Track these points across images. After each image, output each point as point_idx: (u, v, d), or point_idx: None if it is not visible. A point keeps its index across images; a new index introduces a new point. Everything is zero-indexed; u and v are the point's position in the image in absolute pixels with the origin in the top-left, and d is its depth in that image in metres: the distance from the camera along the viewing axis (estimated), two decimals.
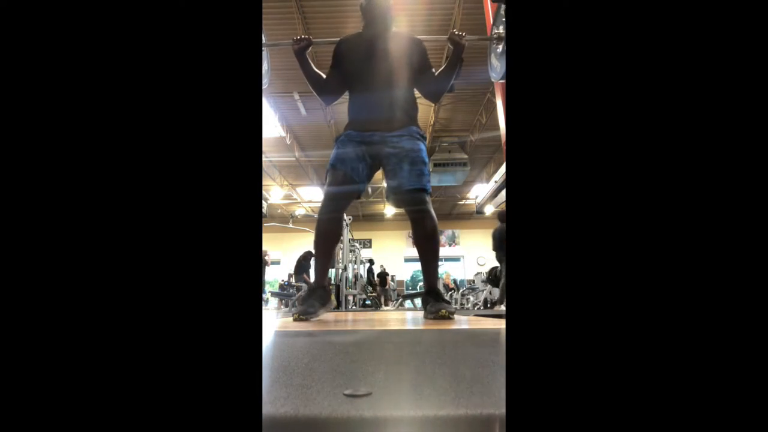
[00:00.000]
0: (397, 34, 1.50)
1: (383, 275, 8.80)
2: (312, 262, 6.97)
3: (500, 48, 1.64)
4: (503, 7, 1.61)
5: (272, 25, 4.31)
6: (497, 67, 1.69)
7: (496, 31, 1.68)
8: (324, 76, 1.51)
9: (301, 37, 1.51)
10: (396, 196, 1.37)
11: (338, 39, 1.56)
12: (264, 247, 6.36)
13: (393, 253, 11.51)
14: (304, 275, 6.48)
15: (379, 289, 8.25)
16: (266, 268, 6.67)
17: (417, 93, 1.52)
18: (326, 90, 1.53)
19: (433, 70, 1.49)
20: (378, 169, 1.47)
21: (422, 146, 1.42)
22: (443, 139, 6.94)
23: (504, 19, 1.59)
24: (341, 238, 1.56)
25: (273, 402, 0.31)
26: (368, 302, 6.80)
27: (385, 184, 1.49)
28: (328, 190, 1.37)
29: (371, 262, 8.70)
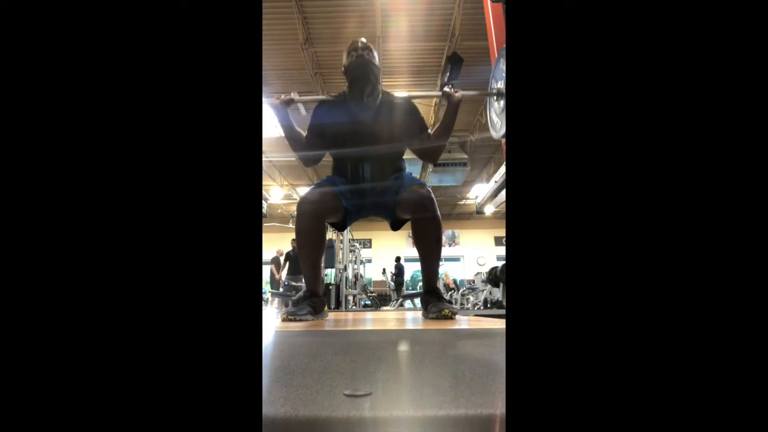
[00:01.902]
0: (386, 99, 1.38)
1: (401, 267, 8.74)
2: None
3: (500, 104, 1.52)
4: (502, 60, 1.50)
5: (272, 25, 4.31)
6: (498, 124, 1.61)
7: (495, 86, 1.57)
8: (303, 134, 1.41)
9: (282, 95, 1.39)
10: (397, 200, 1.32)
11: (318, 100, 1.44)
12: (264, 247, 6.34)
13: (393, 253, 11.51)
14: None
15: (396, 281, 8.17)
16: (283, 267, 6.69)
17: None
18: (306, 152, 1.41)
19: (429, 130, 1.40)
20: (367, 213, 1.42)
21: (411, 172, 1.41)
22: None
23: (504, 74, 1.48)
24: (326, 239, 1.42)
25: (273, 402, 0.32)
26: (368, 302, 6.81)
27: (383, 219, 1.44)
28: (306, 193, 1.33)
29: (398, 259, 8.68)
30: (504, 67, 1.51)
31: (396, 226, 1.46)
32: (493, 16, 2.70)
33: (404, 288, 8.67)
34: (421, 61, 4.98)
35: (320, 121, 1.39)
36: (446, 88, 1.38)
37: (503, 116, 1.52)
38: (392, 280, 8.41)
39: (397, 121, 1.36)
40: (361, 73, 1.30)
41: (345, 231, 5.42)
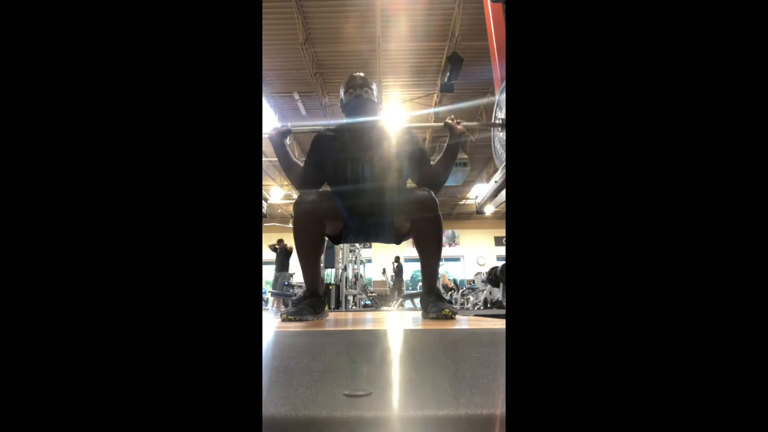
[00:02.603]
0: (384, 131, 1.34)
1: (401, 269, 8.66)
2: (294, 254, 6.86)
3: (504, 134, 1.49)
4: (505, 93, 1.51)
5: (272, 25, 4.31)
6: (501, 154, 1.58)
7: (500, 116, 1.54)
8: (300, 164, 1.38)
9: (279, 125, 1.37)
10: (399, 199, 1.30)
11: (316, 130, 1.42)
12: (264, 247, 6.34)
13: (393, 253, 11.50)
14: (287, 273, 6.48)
15: (395, 281, 8.07)
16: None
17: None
18: (302, 183, 1.39)
19: (431, 163, 1.37)
20: (365, 238, 1.39)
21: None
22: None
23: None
24: (324, 238, 1.40)
25: (273, 402, 0.31)
26: (368, 302, 6.80)
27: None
28: (305, 192, 1.31)
29: (397, 259, 8.64)
30: (505, 13, 1.51)
31: (398, 240, 1.44)
32: (493, 16, 2.70)
33: (404, 287, 8.62)
34: (421, 61, 4.98)
35: (318, 156, 1.37)
36: (448, 120, 1.35)
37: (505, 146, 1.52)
38: (391, 280, 8.35)
39: (397, 156, 1.33)
40: (359, 111, 1.29)
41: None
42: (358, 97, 1.29)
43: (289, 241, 6.57)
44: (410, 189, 1.30)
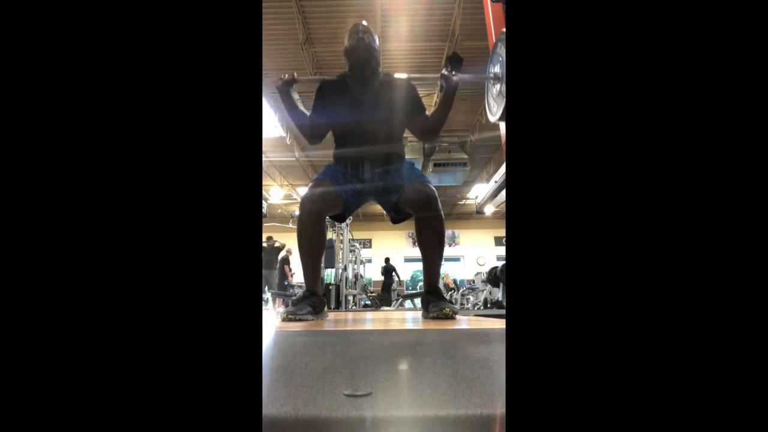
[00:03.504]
0: (385, 79, 1.42)
1: (389, 270, 8.42)
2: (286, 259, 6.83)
3: (497, 88, 1.55)
4: (500, 44, 1.52)
5: (272, 25, 4.31)
6: (494, 107, 1.62)
7: (492, 70, 1.59)
8: (307, 114, 1.45)
9: (285, 75, 1.43)
10: (400, 197, 1.32)
11: (321, 79, 1.49)
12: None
13: (393, 253, 11.50)
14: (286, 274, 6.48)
15: (383, 284, 7.79)
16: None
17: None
18: (309, 131, 1.46)
19: (426, 112, 1.43)
20: (366, 200, 1.44)
21: (414, 164, 1.42)
22: (443, 139, 6.94)
23: (501, 58, 1.50)
24: (326, 239, 1.46)
25: (273, 402, 0.31)
26: (368, 302, 6.80)
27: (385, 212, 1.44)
28: (308, 192, 1.34)
29: (387, 260, 8.47)
30: (501, 52, 1.52)
31: (396, 220, 1.46)
32: (493, 16, 2.70)
33: (393, 290, 8.44)
34: (421, 61, 4.98)
35: (322, 102, 1.43)
36: (444, 71, 1.41)
37: (500, 100, 1.55)
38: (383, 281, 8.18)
39: (396, 101, 1.39)
40: (362, 56, 1.33)
41: (345, 231, 5.42)
42: (361, 41, 1.34)
43: (281, 239, 6.60)
44: (413, 186, 1.30)
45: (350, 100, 1.39)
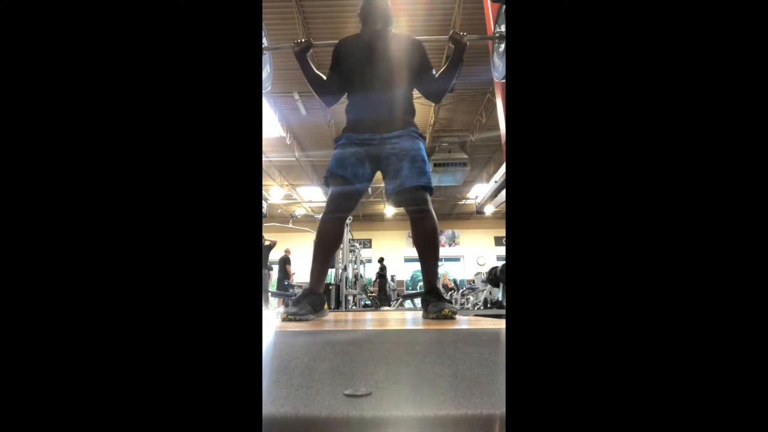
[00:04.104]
0: (396, 35, 1.49)
1: (383, 274, 8.45)
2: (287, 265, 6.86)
3: (503, 47, 1.63)
4: (503, 6, 1.60)
5: (272, 25, 4.31)
6: (499, 66, 1.68)
7: (498, 30, 1.67)
8: (324, 77, 1.51)
9: (301, 40, 1.50)
10: (397, 195, 1.35)
11: (337, 41, 1.55)
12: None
13: (393, 253, 11.50)
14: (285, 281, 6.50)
15: (378, 292, 7.71)
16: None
17: (416, 93, 1.52)
18: (326, 91, 1.52)
19: (434, 71, 1.49)
20: (377, 170, 1.47)
21: (421, 145, 1.43)
22: (443, 139, 6.93)
23: (505, 19, 1.59)
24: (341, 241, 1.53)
25: (273, 402, 0.31)
26: (368, 302, 6.80)
27: (384, 185, 1.48)
28: (331, 192, 1.38)
29: (381, 260, 8.42)
30: (505, 13, 1.58)
31: (395, 204, 1.49)
32: (493, 15, 2.70)
33: (393, 290, 8.36)
34: (428, 36, 4.97)
35: (338, 57, 1.50)
36: (453, 33, 1.47)
37: (503, 59, 1.60)
38: (375, 284, 8.06)
39: (406, 57, 1.45)
40: (375, 11, 1.41)
41: (345, 231, 5.42)
42: None
43: (281, 240, 6.59)
44: (407, 188, 1.31)
45: (364, 54, 1.44)
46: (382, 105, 1.41)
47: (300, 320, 1.21)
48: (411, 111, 1.48)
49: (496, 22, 1.71)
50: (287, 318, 1.21)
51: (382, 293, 7.24)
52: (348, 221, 5.42)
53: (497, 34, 1.66)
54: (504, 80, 1.76)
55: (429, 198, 1.35)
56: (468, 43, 1.45)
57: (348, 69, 1.48)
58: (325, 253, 1.38)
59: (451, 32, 1.46)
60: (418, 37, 1.52)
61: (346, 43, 1.53)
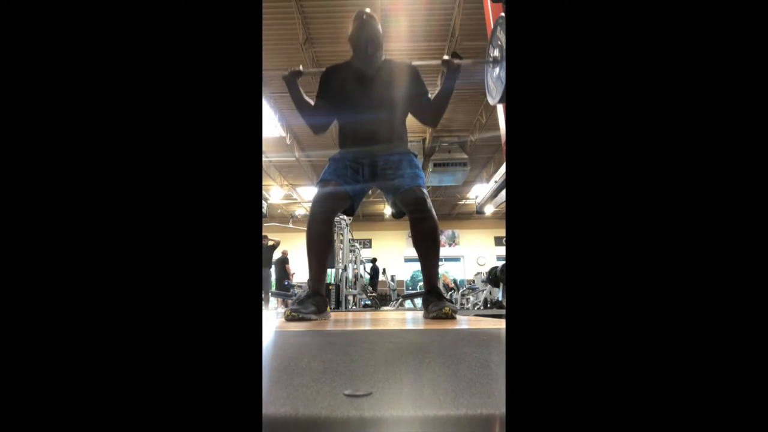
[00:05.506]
0: (389, 62, 1.45)
1: (375, 270, 8.23)
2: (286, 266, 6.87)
3: (497, 71, 1.59)
4: (499, 28, 1.56)
5: (272, 25, 4.31)
6: (494, 90, 1.65)
7: (492, 54, 1.64)
8: (312, 103, 1.47)
9: (292, 69, 1.46)
10: (397, 197, 1.36)
11: (325, 68, 1.51)
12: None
13: (393, 253, 11.50)
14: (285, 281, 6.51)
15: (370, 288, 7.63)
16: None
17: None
18: (313, 119, 1.48)
19: (429, 94, 1.46)
20: (371, 186, 1.45)
21: (414, 158, 1.43)
22: (443, 139, 6.93)
23: (500, 42, 1.53)
24: (334, 240, 1.52)
25: (273, 402, 0.31)
26: (368, 302, 6.80)
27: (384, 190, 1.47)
28: (318, 193, 1.36)
29: (374, 260, 8.43)
30: (500, 36, 1.54)
31: (397, 215, 1.48)
32: (493, 16, 2.70)
33: (394, 290, 8.29)
34: (421, 61, 4.98)
35: (327, 86, 1.46)
36: (445, 57, 1.44)
37: (499, 83, 1.57)
38: (369, 281, 8.03)
39: (399, 84, 1.41)
40: (366, 36, 1.37)
41: (345, 231, 5.42)
42: (365, 23, 1.37)
43: (281, 239, 6.60)
44: (407, 190, 1.32)
45: (354, 82, 1.41)
46: (373, 134, 1.39)
47: (303, 319, 1.21)
48: (404, 138, 1.46)
49: (490, 43, 1.68)
50: (290, 315, 1.21)
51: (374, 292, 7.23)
52: (348, 221, 5.43)
53: (491, 58, 1.61)
54: (501, 103, 1.72)
55: (427, 197, 1.34)
56: (461, 65, 1.41)
57: (337, 98, 1.44)
58: (317, 253, 1.36)
59: (444, 57, 1.43)
60: (411, 62, 1.49)
61: (335, 71, 1.48)
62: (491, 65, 1.64)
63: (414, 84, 1.44)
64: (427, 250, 1.37)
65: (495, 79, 1.62)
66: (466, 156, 6.85)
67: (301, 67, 1.46)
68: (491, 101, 1.70)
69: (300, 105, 1.47)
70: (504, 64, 1.47)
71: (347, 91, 1.42)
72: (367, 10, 1.41)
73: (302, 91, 1.46)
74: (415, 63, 1.51)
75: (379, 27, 1.41)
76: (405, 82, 1.43)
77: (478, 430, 0.30)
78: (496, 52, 1.58)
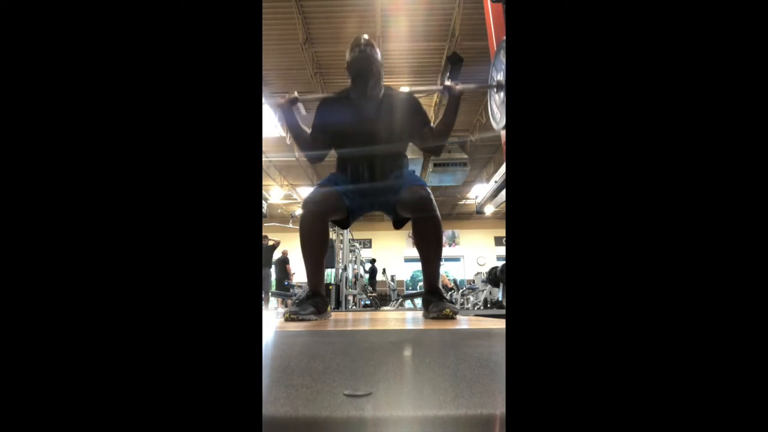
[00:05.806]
0: (388, 93, 1.41)
1: (373, 271, 8.27)
2: (286, 266, 6.88)
3: (501, 95, 1.52)
4: (502, 52, 1.51)
5: (272, 25, 4.31)
6: (498, 115, 1.61)
7: (495, 78, 1.57)
8: (308, 131, 1.44)
9: (289, 96, 1.42)
10: (398, 198, 1.33)
11: (322, 97, 1.48)
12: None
13: (393, 253, 11.50)
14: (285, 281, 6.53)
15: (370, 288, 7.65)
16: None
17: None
18: (311, 149, 1.44)
19: (431, 124, 1.43)
20: (369, 209, 1.44)
21: (414, 170, 1.43)
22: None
23: (504, 66, 1.48)
24: (329, 240, 1.48)
25: (273, 402, 0.31)
26: (368, 302, 6.80)
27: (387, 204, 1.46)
28: (311, 193, 1.35)
29: (372, 261, 8.45)
30: (504, 59, 1.51)
31: (398, 224, 1.47)
32: (493, 16, 2.70)
33: (393, 289, 8.30)
34: (421, 61, 4.98)
35: (324, 118, 1.41)
36: (447, 82, 1.40)
37: (503, 108, 1.53)
38: (367, 281, 8.01)
39: (399, 117, 1.38)
40: (364, 68, 1.32)
41: (345, 232, 5.42)
42: (363, 52, 1.32)
43: (281, 239, 6.61)
44: (409, 189, 1.31)
45: (352, 114, 1.36)
46: (372, 171, 1.37)
47: (303, 319, 1.21)
48: (404, 164, 1.44)
49: (493, 66, 1.64)
50: (290, 317, 1.21)
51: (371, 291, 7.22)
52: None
53: (495, 83, 1.56)
54: (503, 130, 1.69)
55: (433, 198, 1.31)
56: (462, 92, 1.38)
57: (334, 129, 1.40)
58: (311, 253, 1.33)
59: (444, 83, 1.40)
60: (411, 89, 1.45)
61: (333, 101, 1.43)
62: (494, 90, 1.59)
63: (415, 116, 1.40)
64: (430, 251, 1.34)
65: (499, 103, 1.58)
66: (466, 156, 6.84)
67: (296, 94, 1.43)
68: (495, 126, 1.64)
69: (296, 135, 1.43)
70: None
71: (345, 128, 1.37)
72: (365, 36, 1.36)
73: (299, 119, 1.43)
74: (415, 89, 1.48)
75: (378, 55, 1.35)
76: (406, 115, 1.39)
77: (478, 430, 0.30)
78: (500, 76, 1.54)
